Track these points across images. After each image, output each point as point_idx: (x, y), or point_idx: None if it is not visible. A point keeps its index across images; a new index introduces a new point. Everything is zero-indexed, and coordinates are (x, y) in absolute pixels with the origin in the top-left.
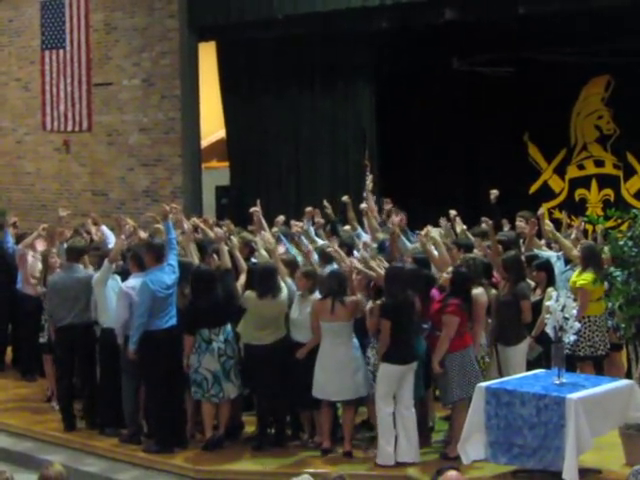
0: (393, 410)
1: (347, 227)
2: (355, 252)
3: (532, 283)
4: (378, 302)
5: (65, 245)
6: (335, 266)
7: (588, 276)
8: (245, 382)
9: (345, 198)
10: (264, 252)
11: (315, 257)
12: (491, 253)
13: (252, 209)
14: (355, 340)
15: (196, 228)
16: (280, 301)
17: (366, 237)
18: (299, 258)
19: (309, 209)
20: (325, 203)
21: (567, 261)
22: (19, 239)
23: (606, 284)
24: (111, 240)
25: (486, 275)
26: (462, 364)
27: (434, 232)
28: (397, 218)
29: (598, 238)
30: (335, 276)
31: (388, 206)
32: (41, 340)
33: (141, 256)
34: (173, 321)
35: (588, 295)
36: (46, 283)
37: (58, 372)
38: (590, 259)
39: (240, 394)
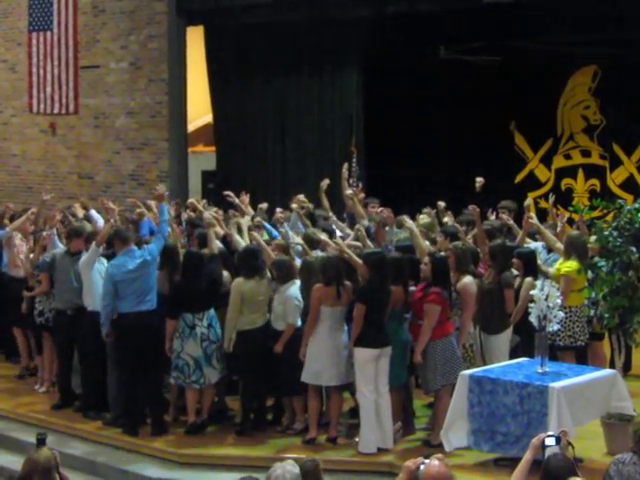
0: (375, 397)
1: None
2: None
3: (515, 272)
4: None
5: (55, 229)
6: (319, 252)
7: (572, 264)
8: (232, 369)
9: (323, 184)
10: (238, 237)
11: (297, 247)
12: (477, 242)
13: (225, 192)
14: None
15: (193, 209)
16: (266, 281)
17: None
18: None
19: (301, 197)
20: (301, 197)
21: (549, 250)
22: (9, 221)
23: (590, 274)
24: (100, 223)
25: (473, 264)
26: (444, 352)
27: (410, 223)
28: (386, 213)
29: (580, 227)
30: (335, 261)
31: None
32: (38, 320)
33: (122, 235)
34: (148, 305)
35: (571, 283)
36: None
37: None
38: (572, 248)
39: (224, 378)
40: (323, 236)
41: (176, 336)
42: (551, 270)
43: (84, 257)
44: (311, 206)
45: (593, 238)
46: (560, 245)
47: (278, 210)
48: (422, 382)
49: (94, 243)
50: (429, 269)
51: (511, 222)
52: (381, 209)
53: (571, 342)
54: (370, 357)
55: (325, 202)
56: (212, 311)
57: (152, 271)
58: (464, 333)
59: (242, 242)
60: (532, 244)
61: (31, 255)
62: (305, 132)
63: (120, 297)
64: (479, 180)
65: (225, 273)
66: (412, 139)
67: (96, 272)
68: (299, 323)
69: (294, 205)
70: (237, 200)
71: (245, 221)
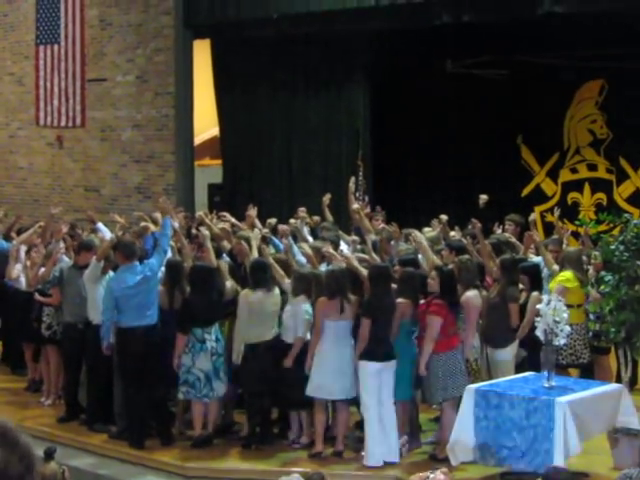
0: (380, 411)
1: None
2: (344, 249)
3: (521, 286)
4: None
5: (62, 242)
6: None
7: (565, 274)
8: (239, 381)
9: (325, 199)
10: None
11: (301, 258)
12: (481, 256)
13: (221, 213)
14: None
15: (199, 223)
16: (275, 294)
17: (344, 246)
18: (301, 258)
19: (302, 210)
20: (302, 210)
21: None
22: (18, 234)
23: (590, 289)
24: (107, 237)
25: (479, 277)
26: (447, 365)
27: (420, 236)
28: (392, 227)
29: (585, 241)
30: (341, 275)
31: (377, 222)
32: (46, 333)
33: (126, 250)
34: (148, 320)
35: (564, 292)
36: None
37: (68, 365)
38: (565, 261)
39: (232, 392)
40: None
41: (185, 351)
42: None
43: (87, 272)
44: (309, 219)
45: (597, 253)
46: (556, 267)
47: (280, 227)
48: (425, 394)
49: (94, 258)
50: (436, 283)
51: (513, 239)
52: (382, 226)
53: (573, 360)
54: (373, 370)
55: (329, 216)
56: (217, 325)
57: (153, 286)
58: (467, 347)
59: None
60: (534, 258)
61: (42, 269)
62: (312, 145)
63: (120, 312)
64: (483, 197)
65: (228, 284)
66: (418, 153)
67: (100, 286)
68: (308, 337)
69: (292, 220)
70: (233, 219)
71: (254, 235)
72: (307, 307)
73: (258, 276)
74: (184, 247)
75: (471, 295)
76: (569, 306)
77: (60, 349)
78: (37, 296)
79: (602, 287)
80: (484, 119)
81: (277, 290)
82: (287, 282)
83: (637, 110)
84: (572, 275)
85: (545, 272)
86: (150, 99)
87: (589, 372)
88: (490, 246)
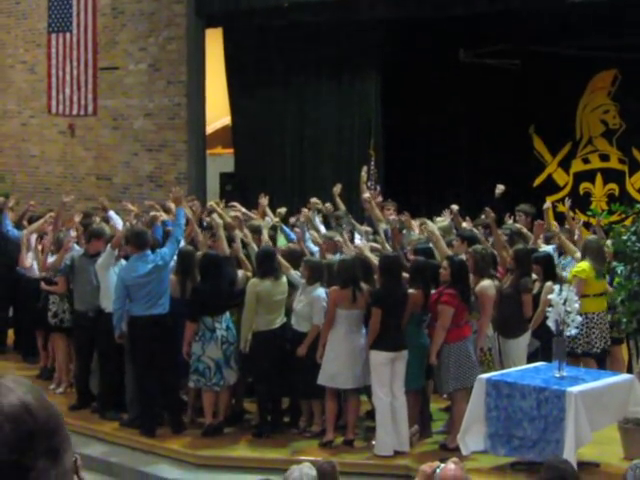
0: (391, 400)
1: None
2: (357, 240)
3: (535, 276)
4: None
5: (72, 230)
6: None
7: (582, 264)
8: (248, 370)
9: (335, 189)
10: (253, 244)
11: (312, 246)
12: (495, 247)
13: (231, 203)
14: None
15: (210, 212)
16: (282, 282)
17: (357, 236)
18: (311, 245)
19: (314, 200)
20: (316, 200)
21: (560, 254)
22: (29, 222)
23: (608, 278)
24: (119, 225)
25: (493, 267)
26: (458, 355)
27: (432, 226)
28: (404, 216)
29: (597, 231)
30: (354, 264)
31: (389, 212)
32: (52, 321)
33: (138, 239)
34: (160, 309)
35: (582, 285)
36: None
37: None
38: (585, 251)
39: (243, 380)
40: (339, 238)
41: (196, 340)
42: (566, 274)
43: (100, 259)
44: (322, 206)
45: (609, 242)
46: (579, 255)
47: (292, 219)
48: (437, 384)
49: (109, 246)
50: (448, 273)
51: (524, 230)
52: (393, 216)
53: (589, 349)
54: (385, 360)
55: (341, 205)
56: (228, 313)
57: (164, 276)
58: (482, 336)
59: (254, 246)
60: (545, 247)
61: (54, 257)
62: (323, 134)
63: (132, 300)
64: (500, 187)
65: (240, 273)
66: (430, 142)
67: (113, 274)
68: None
69: (305, 210)
70: (244, 209)
71: (265, 224)
72: (323, 294)
73: (265, 265)
74: (198, 236)
75: (486, 285)
76: (585, 296)
77: (70, 337)
78: (43, 284)
79: (616, 280)
80: (496, 109)
81: (285, 278)
82: (293, 273)
83: None
84: (588, 265)
85: (562, 260)
86: (162, 88)
87: (602, 363)
88: (504, 236)
